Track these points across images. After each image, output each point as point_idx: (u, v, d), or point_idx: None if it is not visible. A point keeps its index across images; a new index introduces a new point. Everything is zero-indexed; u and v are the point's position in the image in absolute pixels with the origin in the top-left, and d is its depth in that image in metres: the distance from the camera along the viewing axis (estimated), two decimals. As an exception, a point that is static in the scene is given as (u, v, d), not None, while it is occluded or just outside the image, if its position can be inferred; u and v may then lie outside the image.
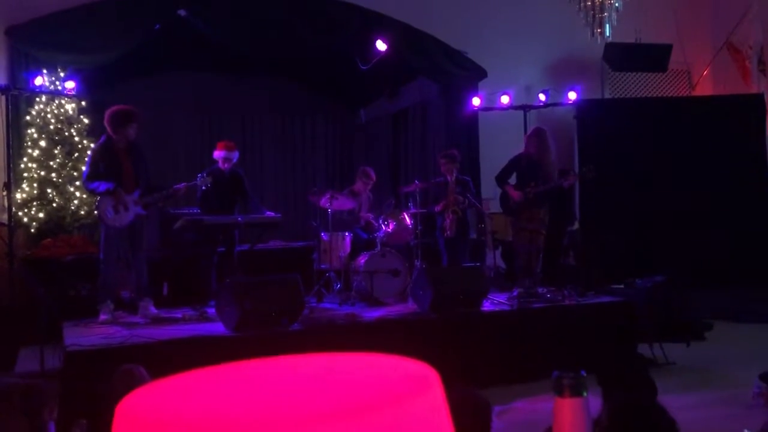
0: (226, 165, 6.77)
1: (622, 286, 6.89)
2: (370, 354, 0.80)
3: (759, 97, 9.39)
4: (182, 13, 7.44)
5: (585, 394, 0.88)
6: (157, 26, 7.53)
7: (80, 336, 5.05)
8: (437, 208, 7.36)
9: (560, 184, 6.80)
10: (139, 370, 3.35)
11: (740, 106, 9.43)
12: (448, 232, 7.33)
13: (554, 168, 6.87)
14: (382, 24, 8.44)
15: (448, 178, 7.39)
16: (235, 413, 0.61)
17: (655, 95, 10.54)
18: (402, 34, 8.51)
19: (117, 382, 3.27)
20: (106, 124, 5.84)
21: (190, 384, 0.70)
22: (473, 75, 9.22)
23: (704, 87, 10.65)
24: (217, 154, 6.80)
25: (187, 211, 7.42)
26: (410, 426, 0.62)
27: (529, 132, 7.12)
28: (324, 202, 7.01)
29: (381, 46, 8.20)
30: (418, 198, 7.37)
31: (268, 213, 6.79)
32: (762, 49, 9.66)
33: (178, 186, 6.06)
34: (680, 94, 10.67)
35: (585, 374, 0.89)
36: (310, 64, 9.51)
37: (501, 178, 6.95)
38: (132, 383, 3.22)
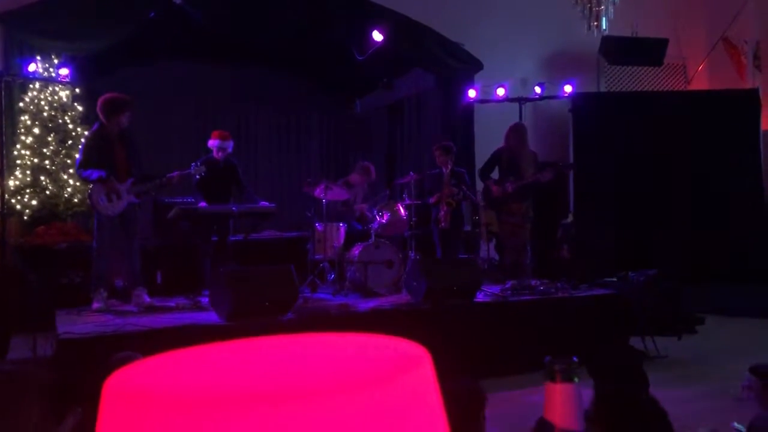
0: (220, 154, 6.74)
1: (615, 280, 6.91)
2: (362, 334, 0.80)
3: (754, 92, 9.41)
4: (178, 1, 7.39)
5: (576, 379, 0.88)
6: (152, 14, 7.48)
7: (73, 324, 5.04)
8: (431, 200, 7.36)
9: (537, 179, 6.81)
10: (135, 358, 3.34)
11: (735, 100, 9.46)
12: (443, 224, 7.33)
13: (531, 163, 6.90)
14: (378, 15, 8.41)
15: (444, 169, 7.39)
16: (221, 388, 0.61)
17: (650, 89, 10.55)
18: (398, 25, 8.48)
19: (113, 370, 3.26)
20: (98, 111, 5.82)
21: (180, 361, 0.70)
22: (469, 67, 9.21)
23: (700, 81, 10.67)
24: (212, 143, 6.78)
25: (181, 200, 7.39)
26: (400, 403, 0.62)
27: (508, 127, 7.15)
28: (318, 192, 7.00)
29: (377, 36, 8.17)
30: (412, 189, 7.37)
31: (262, 203, 6.77)
32: (757, 45, 9.68)
33: (171, 175, 6.04)
34: (676, 89, 10.68)
35: (576, 360, 0.89)
36: (307, 54, 9.47)
37: (483, 173, 7.02)
38: None
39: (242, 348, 0.72)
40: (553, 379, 0.87)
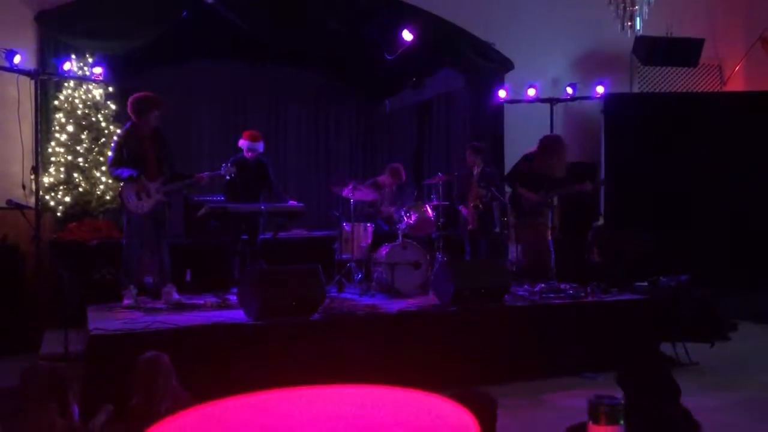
0: (250, 154, 6.80)
1: (646, 284, 6.80)
2: (409, 390, 0.78)
3: (792, 93, 9.19)
4: (209, 1, 7.44)
5: (621, 422, 0.85)
6: (185, 14, 7.54)
7: (103, 320, 5.11)
8: (463, 210, 7.32)
9: (577, 189, 6.75)
10: (164, 357, 3.37)
11: (772, 102, 9.24)
12: (471, 226, 7.30)
13: (563, 174, 6.80)
14: (408, 14, 8.38)
15: (474, 170, 7.35)
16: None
17: (685, 90, 10.35)
18: (429, 25, 8.44)
19: (141, 369, 3.30)
20: (129, 110, 5.90)
21: (216, 415, 0.68)
22: (500, 67, 9.13)
23: (736, 82, 10.44)
24: (242, 143, 6.84)
25: (211, 198, 7.46)
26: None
27: (548, 140, 7.04)
28: (347, 192, 7.00)
29: (407, 36, 8.14)
30: (440, 190, 7.33)
31: (291, 202, 6.81)
32: (797, 45, 9.45)
33: (201, 175, 6.10)
34: (711, 90, 10.47)
35: (622, 402, 0.86)
36: (336, 54, 9.47)
37: (512, 177, 6.88)
38: (155, 372, 3.24)
39: (284, 400, 0.70)
40: (597, 421, 0.84)
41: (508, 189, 7.96)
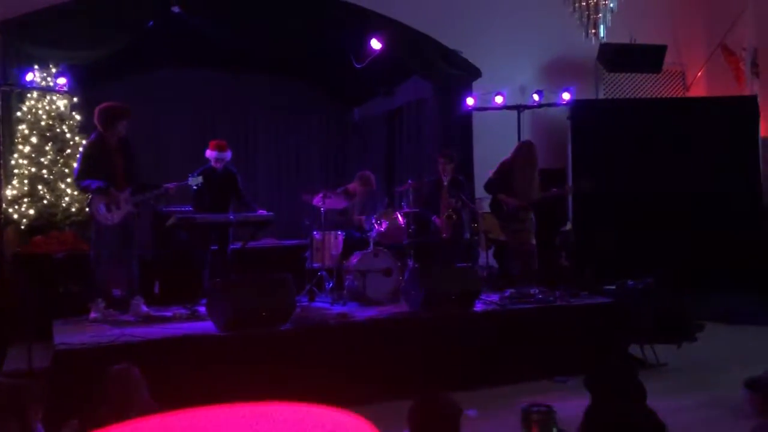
0: (218, 164, 6.75)
1: (613, 287, 6.89)
2: (307, 405, 0.79)
3: (752, 99, 9.41)
4: (176, 9, 7.39)
5: (555, 429, 0.86)
6: (151, 23, 7.48)
7: (70, 335, 5.03)
8: (436, 220, 7.35)
9: (557, 194, 6.83)
10: (134, 369, 3.33)
11: (734, 107, 9.45)
12: (444, 234, 7.33)
13: (536, 179, 6.86)
14: (377, 23, 8.41)
15: (443, 177, 7.39)
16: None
17: (649, 96, 10.55)
18: (397, 33, 8.49)
19: (110, 382, 3.25)
20: (95, 121, 5.82)
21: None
22: (468, 74, 9.20)
23: (698, 88, 10.67)
24: (209, 153, 6.78)
25: (179, 209, 7.39)
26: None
27: (520, 145, 7.12)
28: (317, 201, 6.99)
29: (376, 44, 8.18)
30: (411, 197, 7.36)
31: (260, 211, 6.76)
32: (755, 52, 9.68)
33: (168, 186, 6.02)
34: (674, 95, 10.68)
35: (554, 409, 0.88)
36: (305, 62, 9.48)
37: (491, 187, 6.92)
38: (125, 383, 3.20)
39: (187, 420, 0.70)
40: (529, 429, 0.85)
41: (479, 196, 8.02)
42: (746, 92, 9.69)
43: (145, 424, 0.70)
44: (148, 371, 3.58)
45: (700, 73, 10.56)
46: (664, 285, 6.98)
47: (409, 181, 7.42)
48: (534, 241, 6.82)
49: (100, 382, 3.25)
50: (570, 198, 9.04)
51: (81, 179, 5.75)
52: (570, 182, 8.40)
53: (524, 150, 6.96)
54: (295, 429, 0.68)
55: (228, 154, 6.82)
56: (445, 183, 7.39)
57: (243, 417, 0.70)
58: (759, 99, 9.40)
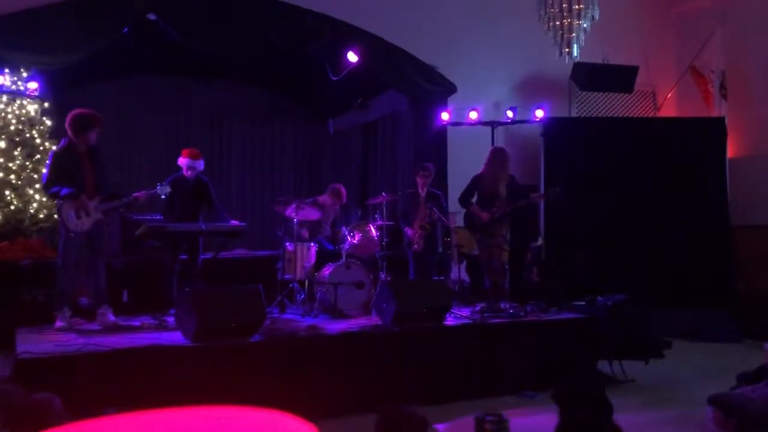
0: (189, 173, 6.67)
1: (583, 303, 6.95)
2: (250, 409, 0.78)
3: (720, 120, 9.61)
4: (152, 16, 7.34)
5: None
6: (125, 30, 7.41)
7: (34, 343, 4.92)
8: (409, 231, 7.34)
9: (528, 202, 6.82)
10: (54, 400, 3.14)
11: (702, 128, 9.64)
12: (416, 246, 7.34)
13: (509, 187, 6.84)
14: (353, 36, 8.44)
15: (420, 191, 7.42)
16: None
17: (620, 115, 10.72)
18: (373, 47, 8.53)
19: (28, 412, 3.03)
20: (67, 127, 5.74)
21: None
22: (443, 90, 9.27)
23: (669, 109, 10.86)
24: (182, 161, 6.70)
25: (149, 217, 7.30)
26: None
27: (490, 151, 7.13)
28: (290, 212, 6.96)
29: (352, 57, 8.21)
30: (384, 210, 7.37)
31: (232, 222, 6.70)
32: (723, 75, 9.89)
33: (137, 194, 5.94)
34: (645, 115, 10.86)
35: (506, 419, 0.88)
36: (281, 73, 9.47)
37: (464, 200, 6.93)
38: (47, 413, 2.98)
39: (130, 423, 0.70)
40: None
41: (453, 210, 8.05)
42: (715, 113, 9.89)
43: (92, 425, 0.69)
44: (113, 382, 3.51)
45: (670, 94, 10.76)
46: (632, 302, 7.07)
47: (384, 194, 7.43)
48: (506, 258, 6.80)
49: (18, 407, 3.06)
50: (541, 206, 9.08)
51: (49, 186, 5.66)
52: (542, 190, 8.44)
53: (493, 154, 6.97)
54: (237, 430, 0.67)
55: (200, 163, 6.75)
56: (422, 196, 7.41)
57: (183, 420, 0.70)
58: (727, 120, 9.60)
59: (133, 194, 5.93)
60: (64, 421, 3.01)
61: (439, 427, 4.63)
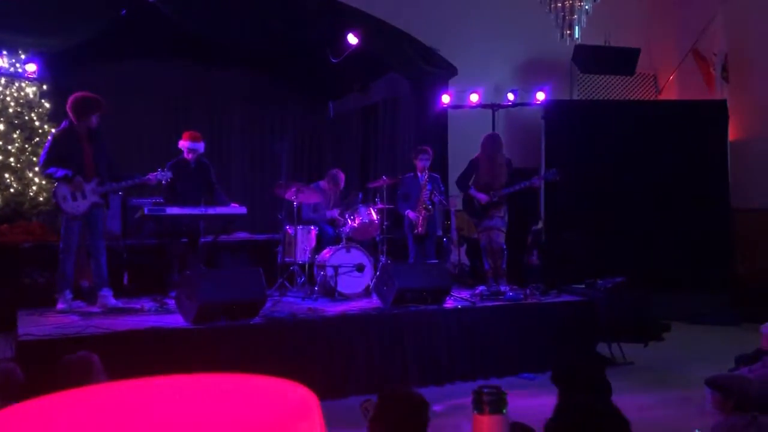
0: (190, 155, 6.66)
1: (583, 286, 6.97)
2: (251, 377, 0.79)
3: (722, 103, 9.56)
4: (151, -1, 7.28)
5: (505, 411, 0.86)
6: (124, 12, 7.36)
7: (35, 325, 4.94)
8: (411, 214, 7.34)
9: (529, 185, 6.82)
10: (94, 357, 3.27)
11: (704, 111, 9.60)
12: (419, 229, 7.34)
13: (506, 170, 6.85)
14: (354, 18, 8.38)
15: (420, 174, 7.41)
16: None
17: (622, 98, 10.67)
18: (374, 29, 8.46)
19: (71, 369, 3.19)
20: (68, 110, 5.72)
21: (52, 407, 0.67)
22: (444, 72, 9.22)
23: (670, 92, 10.81)
24: (182, 143, 6.69)
25: (150, 200, 7.29)
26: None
27: (484, 136, 7.14)
28: (290, 195, 6.95)
29: (352, 40, 8.15)
30: (385, 194, 7.36)
31: (233, 205, 6.68)
32: (725, 57, 9.83)
33: (148, 177, 5.93)
34: (647, 98, 10.82)
35: (504, 391, 0.88)
36: (281, 56, 9.41)
37: (462, 182, 6.93)
38: (87, 371, 3.14)
39: (127, 390, 0.70)
40: (481, 411, 0.85)
41: (453, 193, 8.04)
42: (716, 96, 9.84)
43: (78, 395, 0.69)
44: (112, 364, 3.50)
45: (672, 77, 10.71)
46: (632, 285, 7.08)
47: (384, 178, 7.41)
48: (503, 240, 6.82)
49: (58, 370, 3.18)
50: (542, 189, 9.07)
51: (46, 167, 5.66)
52: (542, 172, 8.41)
53: (487, 141, 6.98)
54: (229, 398, 0.67)
55: (201, 146, 6.73)
56: (424, 179, 7.41)
57: (175, 387, 0.70)
58: (728, 103, 9.56)
59: (135, 179, 5.90)
60: (104, 377, 3.12)
61: (438, 408, 4.65)
